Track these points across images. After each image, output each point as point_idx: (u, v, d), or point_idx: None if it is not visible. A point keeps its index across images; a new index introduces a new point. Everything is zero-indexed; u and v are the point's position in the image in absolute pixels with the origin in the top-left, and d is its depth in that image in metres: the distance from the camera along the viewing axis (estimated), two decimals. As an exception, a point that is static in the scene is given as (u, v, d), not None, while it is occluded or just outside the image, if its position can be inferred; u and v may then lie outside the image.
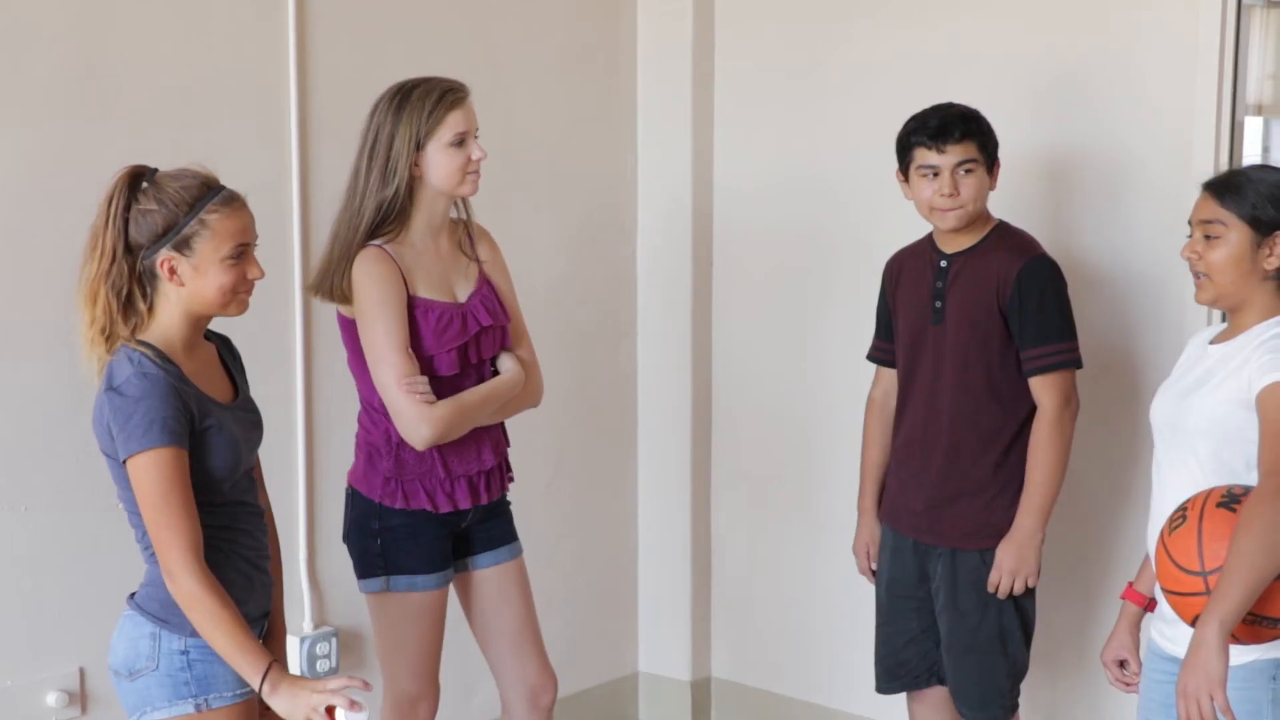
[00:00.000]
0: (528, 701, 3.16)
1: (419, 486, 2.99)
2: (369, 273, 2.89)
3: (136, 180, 2.41)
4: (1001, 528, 3.17)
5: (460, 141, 2.92)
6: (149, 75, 3.30)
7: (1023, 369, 3.15)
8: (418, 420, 2.88)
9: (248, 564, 2.52)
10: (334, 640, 3.67)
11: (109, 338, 2.41)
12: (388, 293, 2.88)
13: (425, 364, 2.94)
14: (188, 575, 2.34)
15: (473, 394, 2.97)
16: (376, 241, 2.92)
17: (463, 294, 3.02)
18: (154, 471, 2.33)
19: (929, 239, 3.30)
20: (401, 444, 2.95)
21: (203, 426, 2.40)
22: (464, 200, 3.05)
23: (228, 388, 2.54)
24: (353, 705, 2.29)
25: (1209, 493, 2.41)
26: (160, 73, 3.32)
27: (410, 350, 2.90)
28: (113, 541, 3.21)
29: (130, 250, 2.39)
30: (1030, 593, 3.20)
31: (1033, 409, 3.16)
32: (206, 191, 2.40)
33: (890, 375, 3.40)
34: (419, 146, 2.89)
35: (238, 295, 2.45)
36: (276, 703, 2.34)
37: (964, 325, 3.17)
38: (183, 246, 2.39)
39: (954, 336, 3.18)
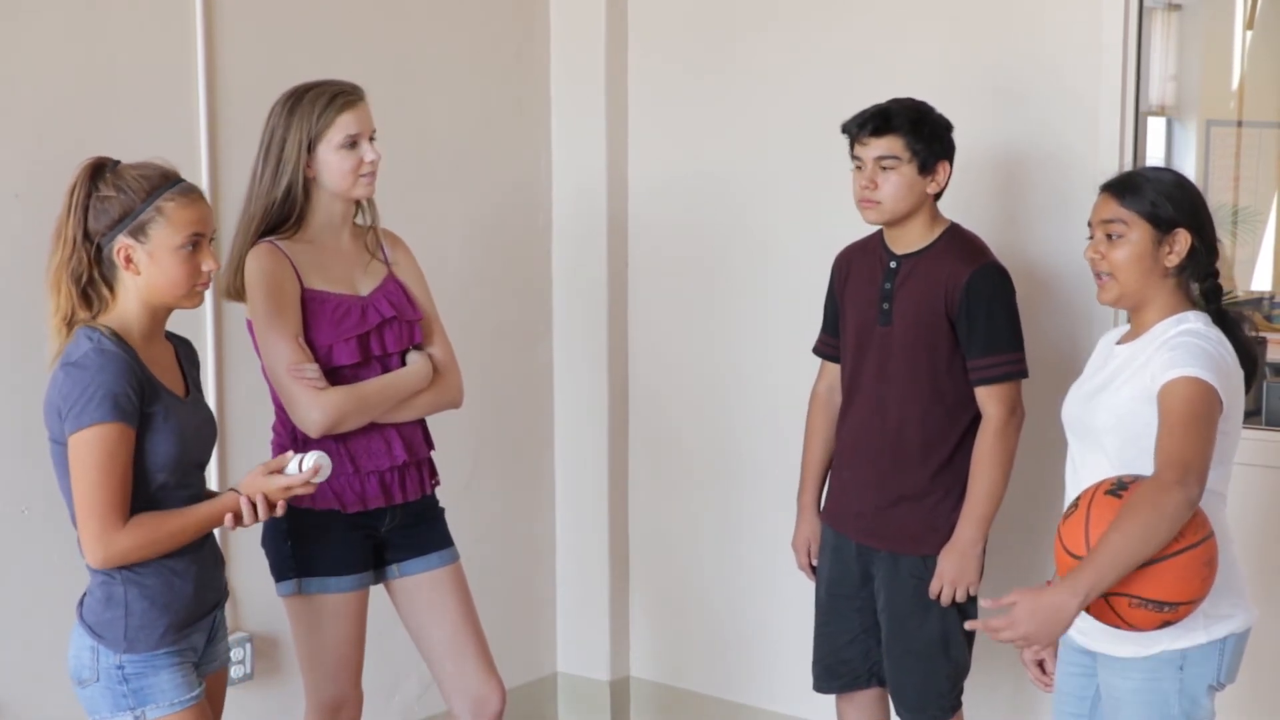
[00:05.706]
0: (472, 713, 3.11)
1: (326, 485, 2.95)
2: (257, 267, 2.91)
3: (99, 170, 2.46)
4: (943, 533, 3.12)
5: (352, 144, 2.92)
6: (53, 76, 3.25)
7: (969, 377, 3.11)
8: (309, 405, 2.87)
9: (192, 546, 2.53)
10: (249, 646, 3.64)
11: (70, 325, 2.45)
12: (276, 284, 2.89)
13: (323, 354, 2.93)
14: (112, 538, 2.38)
15: (371, 383, 2.96)
16: (271, 238, 2.94)
17: (365, 289, 3.02)
18: (98, 445, 2.36)
19: (879, 236, 3.24)
20: (307, 442, 2.93)
21: (150, 410, 2.43)
22: (369, 204, 3.05)
23: (181, 386, 2.57)
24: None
25: (1100, 483, 2.45)
26: (64, 73, 3.27)
27: (301, 340, 2.90)
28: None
29: (89, 238, 2.44)
30: (972, 598, 3.16)
31: (977, 415, 3.12)
32: (165, 181, 2.46)
33: (834, 370, 3.34)
34: (310, 149, 2.91)
35: (193, 286, 2.49)
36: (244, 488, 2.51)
37: (911, 329, 3.12)
38: (138, 233, 2.43)
39: (901, 339, 3.13)
